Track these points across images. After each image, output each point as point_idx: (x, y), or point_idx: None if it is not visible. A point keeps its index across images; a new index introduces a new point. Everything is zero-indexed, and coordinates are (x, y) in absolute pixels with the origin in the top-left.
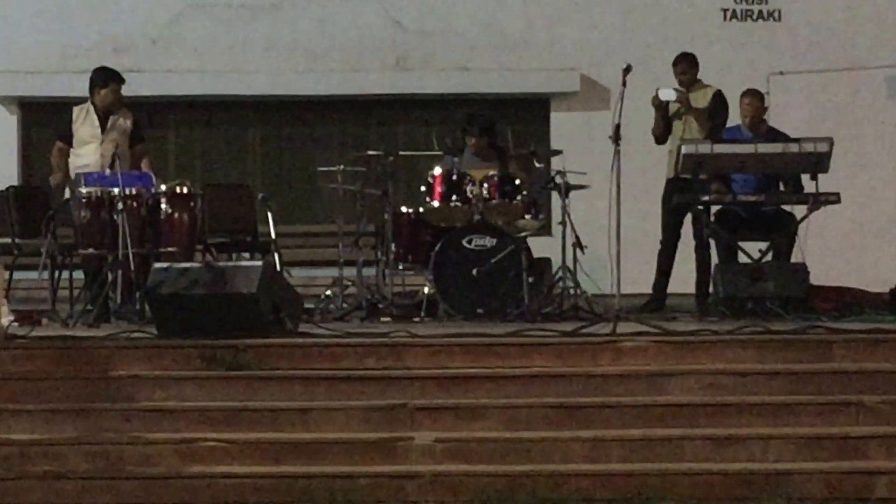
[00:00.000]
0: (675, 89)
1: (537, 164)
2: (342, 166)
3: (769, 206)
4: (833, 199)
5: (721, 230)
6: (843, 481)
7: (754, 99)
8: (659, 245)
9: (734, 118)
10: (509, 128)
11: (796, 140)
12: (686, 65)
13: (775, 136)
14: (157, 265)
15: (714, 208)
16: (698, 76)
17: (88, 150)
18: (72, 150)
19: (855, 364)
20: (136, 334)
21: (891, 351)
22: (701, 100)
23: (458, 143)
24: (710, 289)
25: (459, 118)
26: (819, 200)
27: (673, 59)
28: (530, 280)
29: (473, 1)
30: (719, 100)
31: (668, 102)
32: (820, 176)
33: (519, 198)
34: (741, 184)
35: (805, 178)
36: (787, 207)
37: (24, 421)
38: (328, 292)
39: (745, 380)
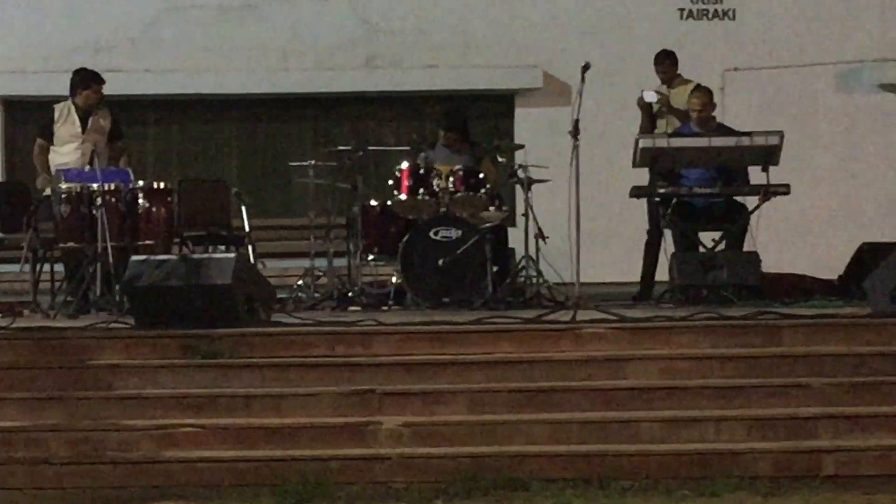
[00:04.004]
0: (657, 91)
1: (500, 159)
2: (313, 161)
3: (722, 197)
4: (783, 190)
5: (677, 220)
6: (792, 460)
7: (702, 94)
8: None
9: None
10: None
11: (748, 133)
12: (667, 63)
13: (725, 131)
14: (135, 258)
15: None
16: (678, 72)
17: (69, 148)
18: (52, 147)
19: (804, 348)
20: (115, 325)
21: (838, 335)
22: (681, 96)
23: (431, 137)
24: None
25: (428, 114)
26: (770, 192)
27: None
28: (495, 269)
29: (441, 1)
30: None
31: (651, 103)
32: (771, 168)
33: (483, 190)
34: (695, 176)
35: (756, 169)
36: (739, 199)
37: (6, 409)
38: (300, 283)
39: (699, 364)
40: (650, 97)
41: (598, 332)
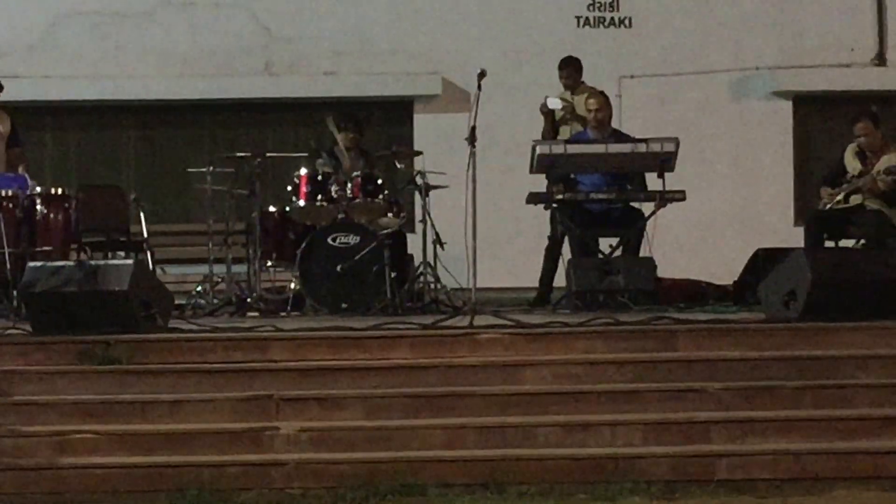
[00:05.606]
0: (561, 98)
1: (399, 165)
2: (212, 167)
3: (619, 203)
4: (679, 196)
5: (574, 226)
6: (687, 464)
7: (598, 96)
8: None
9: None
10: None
11: (644, 140)
12: (571, 69)
13: (620, 137)
14: (32, 264)
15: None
16: (581, 79)
17: None
18: None
19: (699, 353)
20: (11, 331)
21: (733, 340)
22: (584, 104)
23: (326, 142)
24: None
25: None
26: (666, 198)
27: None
28: (393, 275)
29: (340, 8)
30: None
31: (554, 110)
32: (667, 174)
33: (381, 197)
34: (591, 183)
35: (653, 175)
36: (635, 204)
37: None
38: (198, 289)
39: (595, 369)
40: (553, 104)
41: (494, 338)
